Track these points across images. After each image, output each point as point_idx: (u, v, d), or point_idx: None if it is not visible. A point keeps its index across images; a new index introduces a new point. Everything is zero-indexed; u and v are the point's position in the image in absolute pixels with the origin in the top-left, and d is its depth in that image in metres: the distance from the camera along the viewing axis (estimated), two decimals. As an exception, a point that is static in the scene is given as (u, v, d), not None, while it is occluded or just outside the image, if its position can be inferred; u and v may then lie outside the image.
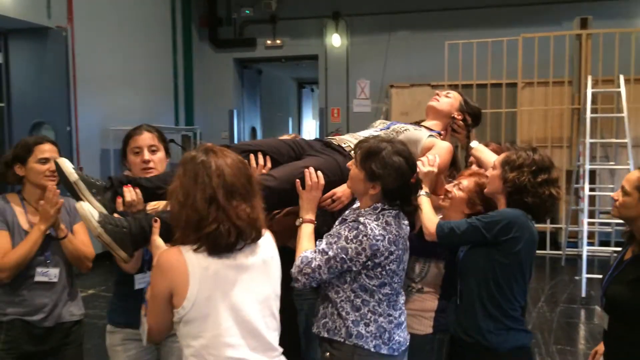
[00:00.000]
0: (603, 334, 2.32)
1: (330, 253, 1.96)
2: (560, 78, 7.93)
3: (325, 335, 2.04)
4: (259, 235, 1.74)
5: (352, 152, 2.19)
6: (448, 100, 2.67)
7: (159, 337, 1.80)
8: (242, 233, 1.67)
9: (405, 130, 2.51)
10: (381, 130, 2.54)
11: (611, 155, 7.68)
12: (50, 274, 2.48)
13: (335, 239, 1.98)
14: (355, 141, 2.22)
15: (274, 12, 9.82)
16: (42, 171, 2.44)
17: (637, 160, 7.38)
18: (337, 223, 2.10)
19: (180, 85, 9.71)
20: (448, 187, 2.44)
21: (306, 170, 2.15)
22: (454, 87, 8.39)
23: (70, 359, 2.59)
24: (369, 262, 1.96)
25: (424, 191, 2.28)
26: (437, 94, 2.71)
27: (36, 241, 2.37)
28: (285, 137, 3.07)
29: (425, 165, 2.30)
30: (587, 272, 5.95)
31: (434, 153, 2.36)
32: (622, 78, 6.76)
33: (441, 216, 2.48)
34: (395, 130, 2.52)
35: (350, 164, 2.10)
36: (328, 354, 2.03)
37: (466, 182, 2.38)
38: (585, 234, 6.25)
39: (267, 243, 1.82)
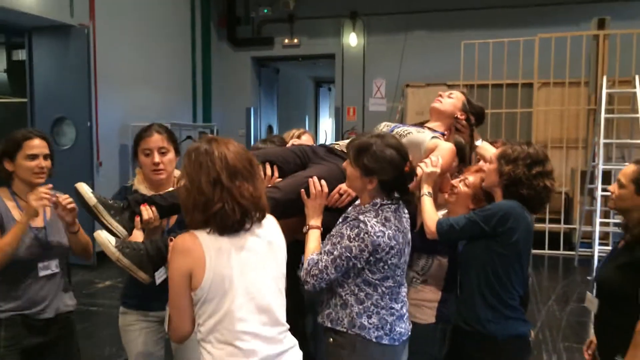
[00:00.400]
0: (593, 319, 2.38)
1: (335, 253, 2.03)
2: (576, 78, 7.91)
3: (329, 325, 2.11)
4: (263, 215, 1.85)
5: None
6: (451, 101, 2.71)
7: (182, 331, 1.81)
8: (247, 211, 1.77)
9: (408, 133, 2.56)
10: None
11: (627, 156, 7.64)
12: (51, 265, 2.45)
13: (339, 238, 2.05)
14: None
15: (292, 12, 9.92)
16: (30, 168, 2.38)
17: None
18: (339, 221, 2.16)
19: (199, 82, 9.85)
20: (454, 182, 2.50)
21: (310, 179, 2.23)
22: (469, 86, 8.43)
23: (69, 349, 2.58)
24: (371, 258, 2.03)
25: (426, 191, 2.35)
26: (440, 95, 2.74)
27: (16, 234, 2.29)
28: (294, 131, 3.14)
29: (428, 166, 2.35)
30: (599, 272, 5.94)
31: (437, 154, 2.40)
32: (637, 79, 6.74)
33: (445, 211, 2.55)
34: (398, 133, 2.56)
35: (346, 164, 2.16)
36: (332, 339, 2.11)
37: (472, 178, 2.45)
38: (597, 234, 6.25)
39: (272, 226, 1.93)
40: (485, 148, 2.63)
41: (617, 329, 2.20)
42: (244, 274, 1.77)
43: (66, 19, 6.80)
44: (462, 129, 2.69)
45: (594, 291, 2.41)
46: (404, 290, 2.19)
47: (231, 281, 1.75)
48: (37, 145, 2.40)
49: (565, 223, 7.91)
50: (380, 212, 2.07)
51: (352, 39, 9.77)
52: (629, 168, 2.28)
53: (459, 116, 2.69)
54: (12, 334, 2.32)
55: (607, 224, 7.40)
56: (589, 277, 6.14)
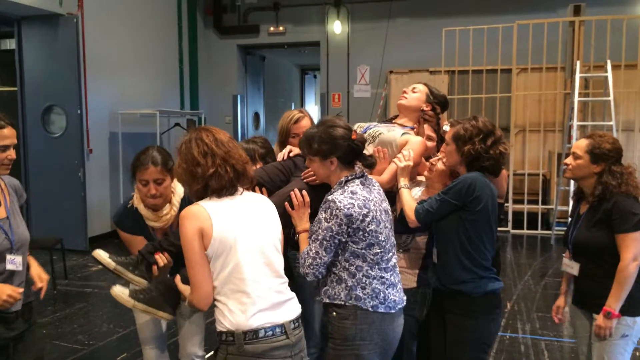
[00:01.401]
0: (572, 280, 2.69)
1: (320, 237, 2.23)
2: (553, 64, 8.18)
3: (327, 300, 2.30)
4: (252, 184, 2.15)
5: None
6: (415, 96, 2.90)
7: (203, 289, 1.96)
8: (238, 172, 2.04)
9: (380, 134, 2.78)
10: None
11: (602, 138, 7.93)
12: (16, 261, 2.31)
13: (318, 224, 2.25)
14: None
15: (277, 0, 10.06)
16: (0, 159, 2.27)
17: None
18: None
19: (186, 70, 9.97)
20: (432, 160, 2.72)
21: (291, 193, 2.44)
22: (451, 72, 8.67)
23: (36, 339, 2.51)
24: (350, 229, 2.22)
25: (403, 183, 2.58)
26: (404, 92, 2.93)
27: None
28: (294, 114, 3.06)
29: (402, 160, 2.59)
30: (573, 249, 6.25)
31: (409, 148, 2.65)
32: (609, 63, 7.01)
33: (423, 188, 2.78)
34: (371, 135, 2.79)
35: (307, 161, 2.39)
36: (335, 313, 2.29)
37: None
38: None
39: (263, 199, 2.21)
40: None
41: (601, 279, 2.50)
42: (245, 231, 2.01)
43: (55, 8, 6.90)
44: (430, 118, 2.89)
45: (570, 255, 2.68)
46: (393, 259, 2.36)
47: (235, 236, 1.98)
48: (8, 135, 2.27)
49: (542, 204, 8.21)
50: (345, 187, 2.27)
51: (337, 27, 9.94)
52: (582, 142, 2.58)
53: (424, 108, 2.88)
54: None
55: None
56: (564, 254, 6.41)
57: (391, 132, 2.78)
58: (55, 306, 5.11)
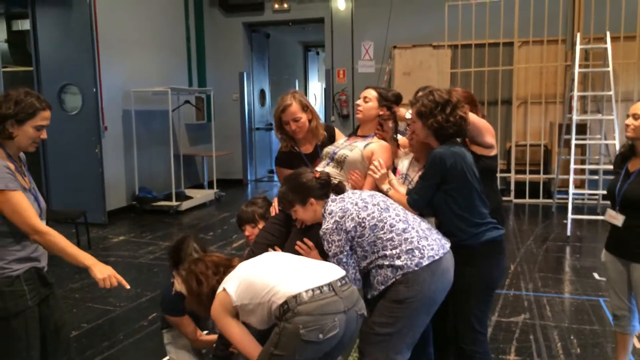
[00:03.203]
0: (615, 232, 2.95)
1: (340, 258, 2.44)
2: (554, 36, 8.36)
3: (382, 287, 2.46)
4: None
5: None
6: (369, 105, 3.05)
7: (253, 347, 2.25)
8: (222, 264, 2.44)
9: (345, 157, 2.93)
10: (328, 163, 2.97)
11: (601, 109, 8.16)
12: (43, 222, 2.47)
13: (328, 254, 2.51)
14: None
15: (281, -23, 10.18)
16: (34, 137, 2.37)
17: (623, 112, 7.87)
18: None
19: (193, 49, 10.12)
20: (408, 136, 2.91)
21: (296, 247, 2.69)
22: (454, 47, 8.84)
23: (58, 296, 2.65)
24: (350, 236, 2.45)
25: (385, 188, 2.77)
26: (358, 105, 3.10)
27: (73, 255, 2.35)
28: (288, 99, 3.18)
29: (376, 172, 2.80)
30: (574, 214, 6.52)
31: (377, 157, 2.85)
32: (608, 35, 7.20)
33: (407, 162, 3.00)
34: (338, 160, 2.95)
35: (292, 214, 2.68)
36: (391, 285, 2.45)
37: None
38: (571, 179, 6.80)
39: None
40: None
41: None
42: (254, 260, 2.36)
43: (67, -11, 7.07)
44: (387, 118, 3.03)
45: (617, 207, 2.91)
46: (409, 218, 2.52)
47: (247, 267, 2.32)
48: (47, 117, 2.39)
49: (544, 174, 8.46)
50: (325, 215, 2.52)
51: (341, 3, 10.05)
52: None
53: (380, 113, 3.04)
54: (32, 286, 2.37)
55: (583, 172, 7.98)
56: (565, 221, 6.68)
57: (354, 151, 2.93)
58: (83, 274, 5.39)
